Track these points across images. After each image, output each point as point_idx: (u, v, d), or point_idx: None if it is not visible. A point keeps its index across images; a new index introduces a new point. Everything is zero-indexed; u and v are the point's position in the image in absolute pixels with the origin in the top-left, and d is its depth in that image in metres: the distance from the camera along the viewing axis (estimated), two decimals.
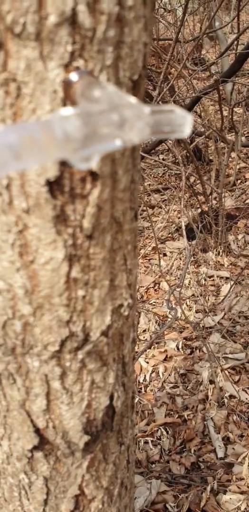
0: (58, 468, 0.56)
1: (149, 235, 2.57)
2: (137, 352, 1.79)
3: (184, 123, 0.31)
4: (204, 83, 2.92)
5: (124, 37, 0.37)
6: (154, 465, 1.61)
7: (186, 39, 2.32)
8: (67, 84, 0.34)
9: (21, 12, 0.31)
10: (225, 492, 1.41)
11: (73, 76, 0.34)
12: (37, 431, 0.52)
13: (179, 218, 2.54)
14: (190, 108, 2.27)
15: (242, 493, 1.37)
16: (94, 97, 0.32)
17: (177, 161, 2.53)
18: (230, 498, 1.35)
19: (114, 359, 0.54)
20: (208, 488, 1.41)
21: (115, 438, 0.60)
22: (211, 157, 2.81)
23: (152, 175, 2.95)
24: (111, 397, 0.55)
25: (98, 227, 0.43)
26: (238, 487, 1.40)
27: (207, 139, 2.66)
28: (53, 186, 0.39)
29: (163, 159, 2.79)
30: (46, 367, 0.48)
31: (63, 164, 0.38)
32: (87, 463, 0.56)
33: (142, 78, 0.43)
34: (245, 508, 1.29)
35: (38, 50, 0.33)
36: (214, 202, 2.41)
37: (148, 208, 2.65)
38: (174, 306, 1.92)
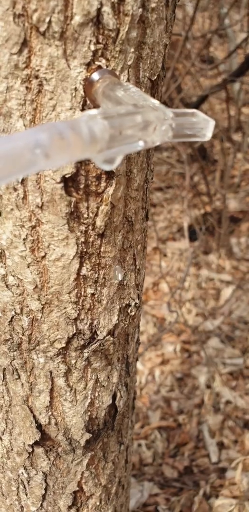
0: (58, 464, 0.57)
1: (149, 234, 2.58)
2: None
3: (205, 126, 0.33)
4: (211, 81, 2.93)
5: (146, 38, 0.38)
6: (146, 468, 1.62)
7: (194, 36, 2.32)
8: (88, 83, 0.35)
9: (47, 11, 0.32)
10: (217, 497, 1.43)
11: (95, 75, 0.35)
12: (39, 427, 0.53)
13: (181, 218, 2.55)
14: (196, 106, 2.28)
15: (234, 497, 1.39)
16: (116, 97, 0.33)
17: (181, 159, 2.54)
18: (222, 503, 1.37)
19: (119, 358, 0.55)
20: (201, 492, 1.43)
21: (115, 437, 0.62)
22: (216, 157, 2.83)
23: (155, 173, 2.97)
24: (114, 397, 0.56)
25: (110, 226, 0.45)
26: (231, 492, 1.42)
27: (212, 138, 2.67)
28: (68, 182, 0.40)
29: (167, 157, 2.80)
30: (51, 364, 0.49)
31: (80, 161, 0.39)
32: (87, 460, 0.57)
33: (160, 78, 0.44)
34: None
35: (62, 48, 0.34)
36: (217, 203, 2.42)
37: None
38: (173, 309, 1.93)
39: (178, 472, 1.57)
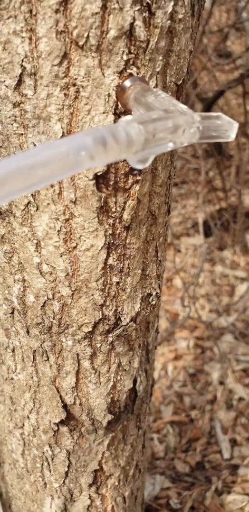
0: (81, 443, 0.62)
1: None
2: None
3: (230, 128, 0.37)
4: (228, 75, 2.95)
5: (173, 47, 0.43)
6: (158, 462, 1.67)
7: (211, 30, 2.35)
8: (121, 89, 0.40)
9: (86, 27, 0.37)
10: (229, 493, 1.47)
11: (127, 82, 0.40)
12: (64, 406, 0.58)
13: (195, 213, 2.59)
14: (213, 101, 2.31)
15: (246, 494, 1.43)
16: (147, 102, 0.37)
17: (196, 155, 2.57)
18: (234, 499, 1.41)
19: (140, 345, 0.60)
20: (212, 488, 1.47)
21: (134, 421, 0.66)
22: (231, 153, 2.85)
23: None
24: (134, 381, 0.61)
25: (136, 219, 0.49)
26: (243, 489, 1.46)
27: None
28: (99, 179, 0.45)
29: (182, 152, 2.83)
30: (78, 347, 0.54)
31: None
32: (108, 441, 0.62)
33: (185, 82, 0.48)
34: None
35: (97, 59, 0.39)
36: (232, 199, 2.45)
37: None
38: (186, 304, 1.97)
39: (190, 467, 1.61)
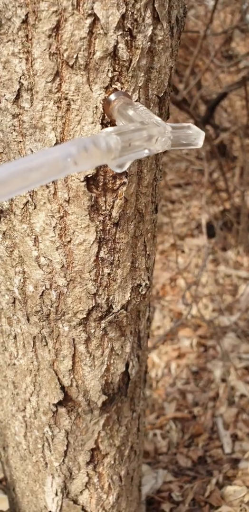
0: (78, 423, 0.68)
1: (167, 231, 2.67)
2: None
3: (198, 137, 0.43)
4: (233, 77, 2.99)
5: (154, 64, 0.49)
6: (161, 457, 1.72)
7: (215, 32, 2.40)
8: (107, 102, 0.46)
9: (75, 50, 0.43)
10: (229, 486, 1.52)
11: (112, 96, 0.46)
12: (62, 388, 0.65)
13: (199, 215, 2.64)
14: (216, 103, 2.36)
15: (247, 487, 1.47)
16: (128, 115, 0.43)
17: (200, 156, 2.63)
18: (234, 491, 1.46)
19: (131, 331, 0.66)
20: (213, 481, 1.52)
21: (128, 404, 0.72)
22: (235, 154, 2.89)
23: (174, 170, 3.06)
24: (127, 365, 0.67)
25: (124, 216, 0.55)
26: (243, 482, 1.50)
27: (232, 135, 2.74)
28: (90, 181, 0.51)
29: (186, 154, 2.89)
30: (74, 332, 0.60)
31: (99, 165, 0.50)
32: (103, 421, 0.68)
33: (167, 94, 0.54)
34: None
35: (86, 76, 0.45)
36: (236, 200, 2.49)
37: (168, 203, 2.75)
38: (188, 302, 2.02)
39: (192, 462, 1.66)
